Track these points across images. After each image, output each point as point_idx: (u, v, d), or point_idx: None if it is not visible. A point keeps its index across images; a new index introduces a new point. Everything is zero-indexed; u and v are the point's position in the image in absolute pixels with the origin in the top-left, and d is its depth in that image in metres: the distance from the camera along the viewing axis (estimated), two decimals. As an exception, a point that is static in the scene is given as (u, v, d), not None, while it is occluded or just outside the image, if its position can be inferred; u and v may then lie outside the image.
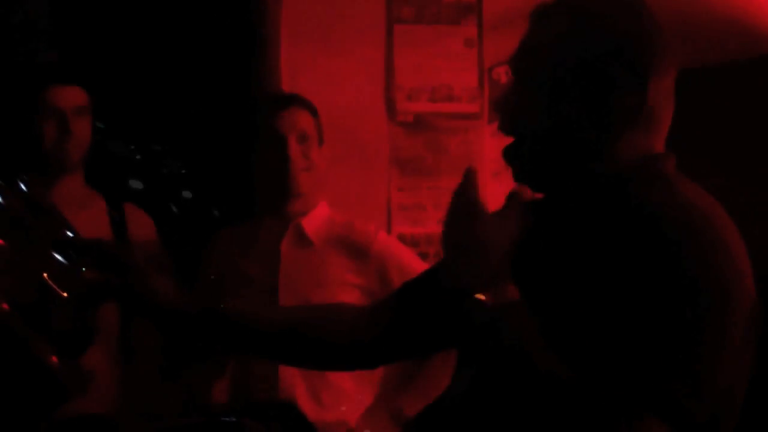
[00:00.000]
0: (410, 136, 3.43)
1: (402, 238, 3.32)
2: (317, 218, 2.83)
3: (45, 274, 1.68)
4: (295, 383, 2.67)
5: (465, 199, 1.64)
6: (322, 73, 3.32)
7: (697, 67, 3.32)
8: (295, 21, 3.34)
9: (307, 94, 2.92)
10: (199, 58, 3.43)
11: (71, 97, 2.65)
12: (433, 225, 3.41)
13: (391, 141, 3.41)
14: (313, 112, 2.85)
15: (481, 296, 1.64)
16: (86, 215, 2.54)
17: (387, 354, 2.00)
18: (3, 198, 1.74)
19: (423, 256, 3.26)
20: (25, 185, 1.81)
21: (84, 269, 1.72)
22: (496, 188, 3.24)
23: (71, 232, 1.77)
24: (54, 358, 1.70)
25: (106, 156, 2.72)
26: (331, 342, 1.95)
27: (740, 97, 3.56)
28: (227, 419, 2.35)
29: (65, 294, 1.70)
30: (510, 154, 1.71)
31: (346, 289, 2.75)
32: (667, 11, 1.73)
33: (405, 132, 3.43)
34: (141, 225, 2.79)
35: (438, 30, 3.44)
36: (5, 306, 1.61)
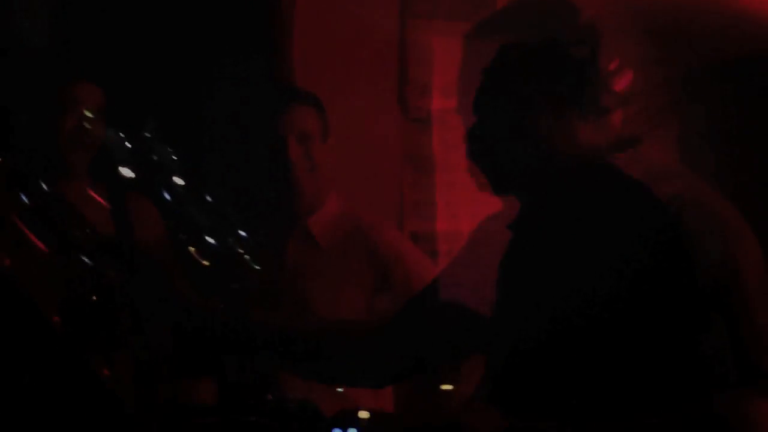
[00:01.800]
0: (423, 133, 3.42)
1: (414, 235, 3.30)
2: (324, 217, 2.79)
3: (75, 278, 1.67)
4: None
5: None
6: (335, 69, 3.30)
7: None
8: (308, 17, 3.32)
9: (320, 90, 2.90)
10: (211, 53, 3.40)
11: (92, 95, 2.62)
12: (446, 222, 3.39)
13: (404, 137, 3.39)
14: (318, 106, 2.80)
15: None
16: (94, 212, 2.52)
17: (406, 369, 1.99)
18: (29, 199, 1.73)
19: (434, 253, 3.25)
20: (46, 185, 1.80)
21: (108, 271, 1.71)
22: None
23: (93, 232, 1.76)
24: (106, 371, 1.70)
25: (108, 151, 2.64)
26: (352, 357, 1.94)
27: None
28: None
29: (95, 297, 1.69)
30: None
31: (351, 289, 2.72)
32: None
33: (418, 128, 3.41)
34: (148, 217, 2.75)
35: (452, 25, 3.41)
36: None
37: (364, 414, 2.53)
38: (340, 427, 2.48)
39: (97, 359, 1.88)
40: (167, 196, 2.18)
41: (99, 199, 2.68)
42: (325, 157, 2.78)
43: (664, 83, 2.17)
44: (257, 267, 2.58)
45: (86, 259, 1.75)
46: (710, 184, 1.71)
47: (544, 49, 1.66)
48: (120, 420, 2.30)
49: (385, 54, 3.38)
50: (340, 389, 2.55)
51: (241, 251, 2.48)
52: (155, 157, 2.22)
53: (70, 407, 1.90)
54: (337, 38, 3.31)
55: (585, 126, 1.65)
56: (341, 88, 3.19)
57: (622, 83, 1.71)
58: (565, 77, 1.64)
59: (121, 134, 2.29)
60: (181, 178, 2.18)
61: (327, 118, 2.82)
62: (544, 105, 1.65)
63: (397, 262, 2.73)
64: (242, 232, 2.47)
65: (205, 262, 2.16)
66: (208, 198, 2.38)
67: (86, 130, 2.56)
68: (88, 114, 2.57)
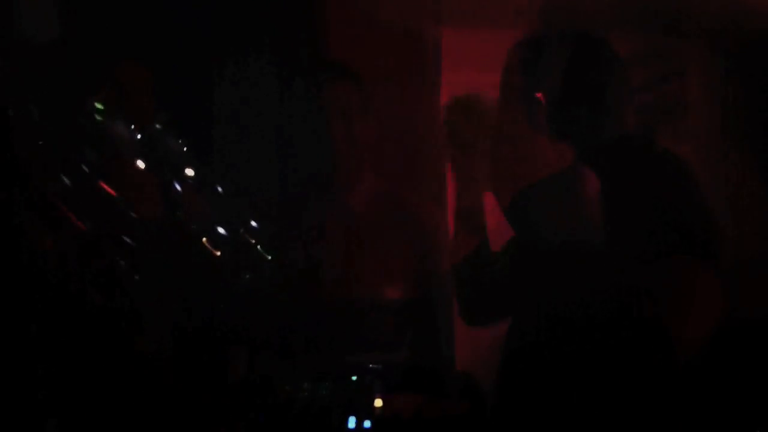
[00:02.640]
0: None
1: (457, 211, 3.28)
2: (364, 194, 2.81)
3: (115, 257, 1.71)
4: None
5: None
6: (370, 44, 3.30)
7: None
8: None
9: (355, 65, 2.90)
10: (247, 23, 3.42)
11: (138, 74, 2.65)
12: (488, 196, 3.37)
13: (440, 111, 3.38)
14: (358, 82, 2.82)
15: None
16: (142, 196, 2.55)
17: None
18: (70, 180, 1.76)
19: (474, 228, 3.24)
20: (87, 167, 1.83)
21: (147, 251, 1.75)
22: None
23: (134, 214, 1.79)
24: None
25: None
26: None
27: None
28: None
29: (137, 277, 1.72)
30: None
31: (389, 263, 2.74)
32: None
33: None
34: (196, 203, 2.79)
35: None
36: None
37: (378, 402, 2.55)
38: (354, 416, 2.50)
39: (137, 334, 1.91)
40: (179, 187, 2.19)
41: (142, 181, 2.70)
42: (365, 132, 2.80)
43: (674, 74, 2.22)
44: (269, 257, 2.61)
45: (127, 239, 1.78)
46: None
47: (571, 41, 1.69)
48: (160, 390, 2.35)
49: (419, 27, 3.37)
50: (353, 377, 2.57)
51: (253, 241, 2.51)
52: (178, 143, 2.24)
53: (107, 378, 1.93)
54: (372, 12, 3.31)
55: (609, 114, 1.69)
56: (376, 63, 3.19)
57: (638, 73, 1.77)
58: (594, 67, 1.67)
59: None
60: (193, 168, 2.19)
61: (368, 95, 2.83)
62: (569, 96, 1.67)
63: (432, 240, 2.75)
64: (254, 223, 2.49)
65: (217, 252, 2.18)
66: (219, 188, 2.40)
67: (134, 108, 2.59)
68: (132, 94, 2.60)
